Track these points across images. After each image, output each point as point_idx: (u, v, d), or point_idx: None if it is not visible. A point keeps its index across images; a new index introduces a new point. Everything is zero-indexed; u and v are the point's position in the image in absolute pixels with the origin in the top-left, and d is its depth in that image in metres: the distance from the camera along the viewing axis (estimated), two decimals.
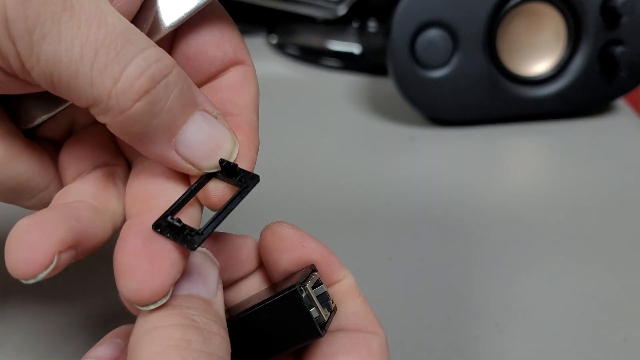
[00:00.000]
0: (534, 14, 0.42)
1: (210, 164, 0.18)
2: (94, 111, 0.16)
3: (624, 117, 0.45)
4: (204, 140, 0.18)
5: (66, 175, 0.20)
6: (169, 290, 0.16)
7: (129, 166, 0.21)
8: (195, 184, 0.18)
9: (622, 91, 0.43)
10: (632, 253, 0.32)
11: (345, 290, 0.20)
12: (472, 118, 0.43)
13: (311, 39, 0.56)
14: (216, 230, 0.17)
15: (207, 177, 0.18)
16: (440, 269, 0.30)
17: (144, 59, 0.16)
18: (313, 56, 0.53)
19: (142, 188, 0.19)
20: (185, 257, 0.17)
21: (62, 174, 0.20)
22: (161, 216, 0.17)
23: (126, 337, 0.18)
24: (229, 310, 0.19)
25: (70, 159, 0.20)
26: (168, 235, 0.16)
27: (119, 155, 0.21)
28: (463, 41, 0.41)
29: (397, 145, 0.41)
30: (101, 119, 0.17)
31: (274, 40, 0.57)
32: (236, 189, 0.18)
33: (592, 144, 0.42)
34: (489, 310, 0.28)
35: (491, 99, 0.42)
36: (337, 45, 0.55)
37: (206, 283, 0.17)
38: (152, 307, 0.16)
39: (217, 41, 0.20)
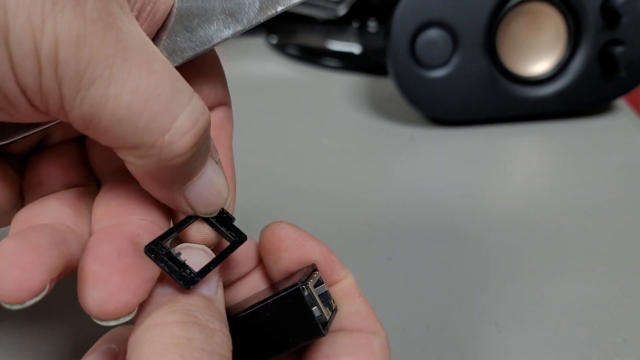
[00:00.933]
0: (534, 14, 0.42)
1: (210, 212, 0.18)
2: (124, 153, 0.16)
3: (624, 117, 0.45)
4: (210, 189, 0.18)
5: (33, 193, 0.19)
6: (134, 308, 0.15)
7: (98, 187, 0.20)
8: (184, 221, 0.18)
9: (622, 91, 0.43)
10: (632, 253, 0.32)
11: (345, 289, 0.20)
12: (472, 118, 0.43)
13: (311, 39, 0.56)
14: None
15: (195, 216, 0.18)
16: (440, 269, 0.30)
17: (192, 110, 0.15)
18: (313, 56, 0.54)
19: (114, 204, 0.18)
20: (154, 280, 0.16)
21: (27, 190, 0.19)
22: (153, 241, 0.16)
23: (120, 341, 0.17)
24: (228, 309, 0.19)
25: (40, 178, 0.19)
26: (162, 265, 0.16)
27: (91, 176, 0.20)
28: (463, 41, 0.41)
29: (397, 145, 0.42)
30: (130, 159, 0.16)
31: (274, 40, 0.57)
32: (214, 231, 0.18)
33: (592, 143, 0.42)
34: (488, 310, 0.28)
35: (491, 99, 0.42)
36: (337, 45, 0.55)
37: (207, 281, 0.17)
38: (112, 323, 0.15)
39: (213, 82, 0.20)
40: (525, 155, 0.41)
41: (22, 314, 0.27)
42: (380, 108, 0.46)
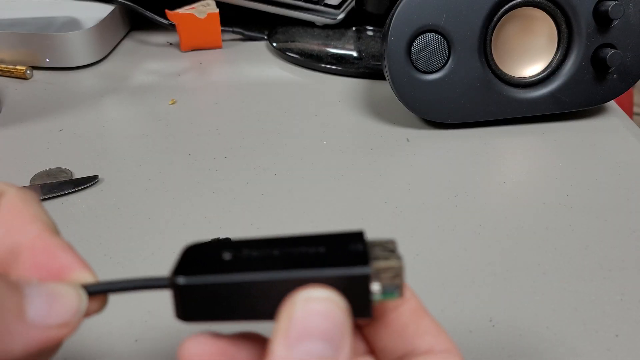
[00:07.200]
0: (527, 19, 0.42)
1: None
2: None
3: (615, 118, 0.46)
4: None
5: None
6: None
7: None
8: None
9: (613, 93, 0.43)
10: (623, 250, 0.32)
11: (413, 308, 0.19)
12: (467, 120, 0.43)
13: (311, 44, 0.57)
14: None
15: None
16: (434, 265, 0.31)
17: None
18: (312, 60, 0.54)
19: None
20: None
21: None
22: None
23: None
24: None
25: None
26: None
27: None
28: (458, 46, 0.41)
29: (393, 146, 0.42)
30: None
31: (275, 45, 0.58)
32: None
33: (585, 144, 0.42)
34: (483, 305, 0.29)
35: (486, 102, 0.42)
36: (336, 50, 0.56)
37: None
38: None
39: None
40: (518, 156, 0.41)
41: None
42: (377, 111, 0.47)
